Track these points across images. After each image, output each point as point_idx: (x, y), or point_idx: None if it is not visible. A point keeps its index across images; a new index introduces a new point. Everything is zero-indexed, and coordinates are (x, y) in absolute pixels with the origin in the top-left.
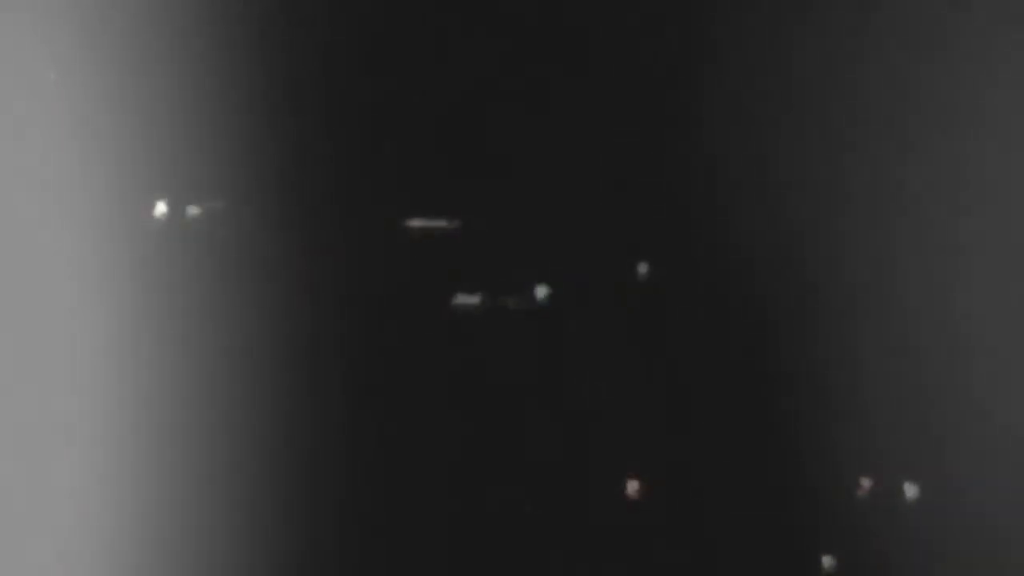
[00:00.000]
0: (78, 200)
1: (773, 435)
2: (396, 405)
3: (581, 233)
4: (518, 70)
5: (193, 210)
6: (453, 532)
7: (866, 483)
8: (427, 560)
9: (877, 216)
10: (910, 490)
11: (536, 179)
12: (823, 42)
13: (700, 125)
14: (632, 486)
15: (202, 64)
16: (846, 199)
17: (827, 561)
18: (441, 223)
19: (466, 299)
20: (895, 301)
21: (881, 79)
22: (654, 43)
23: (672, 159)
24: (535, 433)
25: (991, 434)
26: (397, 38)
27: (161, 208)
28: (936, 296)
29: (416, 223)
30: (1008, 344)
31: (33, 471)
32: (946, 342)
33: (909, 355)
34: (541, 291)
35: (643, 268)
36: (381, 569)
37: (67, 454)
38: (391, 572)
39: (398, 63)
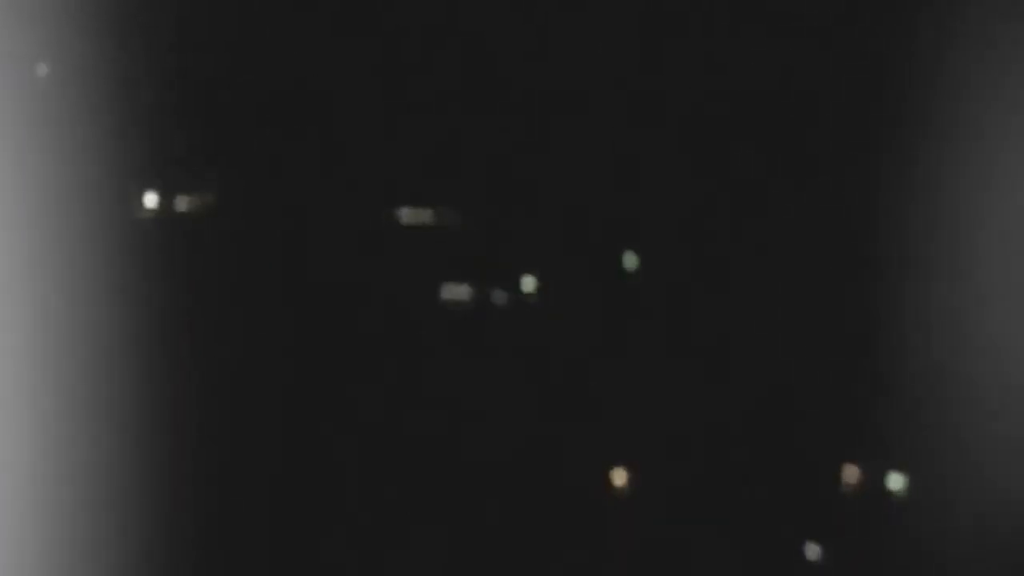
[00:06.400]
0: (68, 192)
1: (759, 425)
2: (384, 397)
3: (569, 225)
4: (505, 64)
5: (182, 202)
6: (442, 525)
7: (852, 473)
8: (416, 553)
9: (869, 206)
10: (896, 481)
11: (524, 171)
12: (818, 33)
13: (687, 117)
14: (618, 476)
15: (192, 57)
16: (835, 192)
17: (811, 551)
18: (429, 215)
19: (454, 290)
20: (881, 291)
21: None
22: (643, 37)
23: (660, 151)
24: (522, 424)
25: (979, 425)
26: (386, 32)
27: (150, 200)
28: (927, 286)
29: (404, 215)
30: (999, 334)
31: (21, 466)
32: (935, 331)
33: (896, 344)
34: (528, 283)
35: (631, 260)
36: (370, 563)
37: (56, 446)
38: (383, 565)
39: (387, 56)
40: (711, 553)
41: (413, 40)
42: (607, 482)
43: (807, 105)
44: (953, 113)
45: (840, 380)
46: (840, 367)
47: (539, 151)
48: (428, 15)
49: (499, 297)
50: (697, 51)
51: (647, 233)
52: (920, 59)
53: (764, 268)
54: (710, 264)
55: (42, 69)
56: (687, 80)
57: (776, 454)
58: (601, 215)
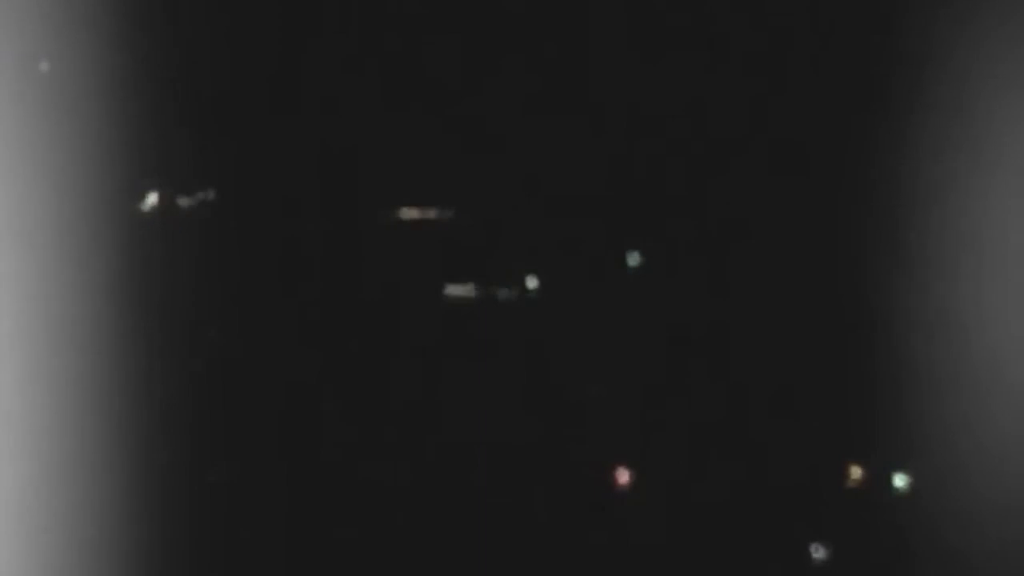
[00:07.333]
0: (68, 189)
1: (762, 424)
2: (386, 395)
3: (572, 223)
4: (509, 61)
5: (183, 199)
6: (443, 522)
7: (855, 473)
8: (417, 551)
9: (870, 205)
10: (899, 480)
11: (527, 169)
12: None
13: (693, 115)
14: (621, 476)
15: (193, 55)
16: (838, 187)
17: (816, 551)
18: (432, 213)
19: (457, 289)
20: (886, 290)
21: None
22: (644, 35)
23: (663, 149)
24: (525, 422)
25: (981, 423)
26: (390, 31)
27: (151, 199)
28: (929, 285)
29: (407, 213)
30: (1001, 334)
31: (23, 465)
32: (937, 331)
33: (899, 343)
34: (531, 281)
35: (634, 258)
36: (371, 561)
37: (56, 446)
38: (385, 563)
39: (389, 55)
40: (715, 553)
41: (414, 39)
42: (610, 480)
43: (807, 105)
44: (953, 113)
45: (843, 379)
46: (843, 366)
47: (542, 150)
48: (429, 14)
49: (502, 295)
50: (698, 50)
51: (649, 232)
52: (920, 60)
53: (767, 267)
54: (712, 263)
55: (44, 66)
56: (689, 79)
57: (780, 453)
58: (603, 214)
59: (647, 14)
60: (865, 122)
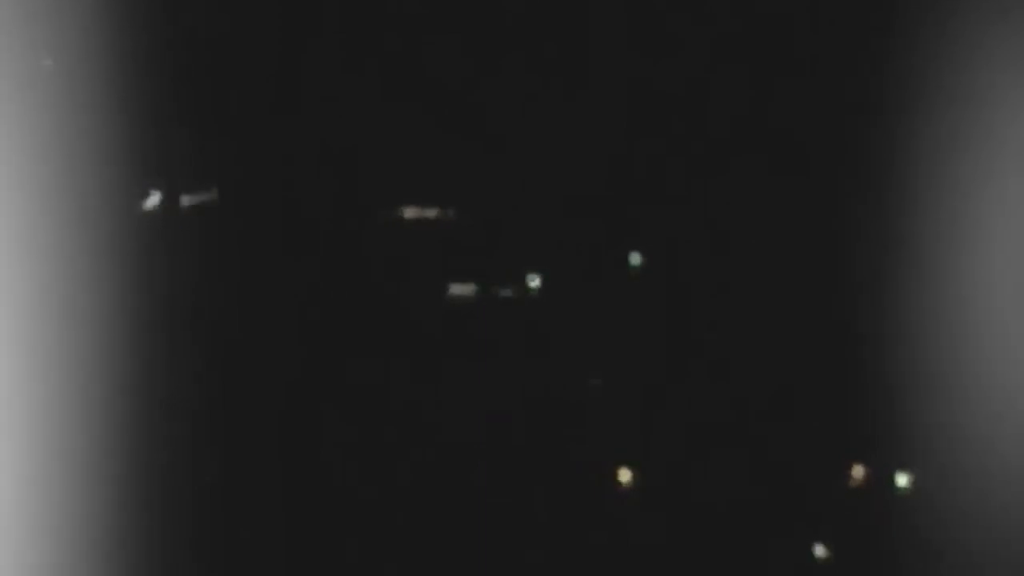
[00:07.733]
0: (70, 186)
1: (765, 424)
2: (388, 394)
3: (572, 223)
4: (509, 61)
5: (185, 198)
6: (443, 522)
7: (857, 472)
8: (418, 551)
9: (871, 205)
10: (901, 479)
11: (527, 169)
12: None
13: (693, 115)
14: (623, 475)
15: (193, 55)
16: (840, 185)
17: (819, 550)
18: (433, 213)
19: (459, 289)
20: (887, 290)
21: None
22: (647, 33)
23: (663, 149)
24: (527, 422)
25: (983, 423)
26: (389, 28)
27: (154, 199)
28: (931, 283)
29: (408, 213)
30: (1003, 332)
31: (23, 465)
32: (940, 331)
33: (901, 344)
34: (533, 281)
35: (635, 258)
36: (372, 560)
37: (57, 445)
38: (386, 561)
39: (390, 53)
40: (716, 553)
41: (414, 39)
42: (613, 480)
43: (807, 105)
44: (954, 112)
45: (845, 378)
46: (845, 365)
47: (542, 150)
48: (429, 14)
49: (504, 295)
50: (698, 49)
51: (651, 232)
52: (920, 59)
53: (767, 267)
54: (714, 263)
55: (46, 63)
56: (688, 79)
57: (781, 453)
58: (603, 214)
59: (647, 14)
60: (865, 122)
